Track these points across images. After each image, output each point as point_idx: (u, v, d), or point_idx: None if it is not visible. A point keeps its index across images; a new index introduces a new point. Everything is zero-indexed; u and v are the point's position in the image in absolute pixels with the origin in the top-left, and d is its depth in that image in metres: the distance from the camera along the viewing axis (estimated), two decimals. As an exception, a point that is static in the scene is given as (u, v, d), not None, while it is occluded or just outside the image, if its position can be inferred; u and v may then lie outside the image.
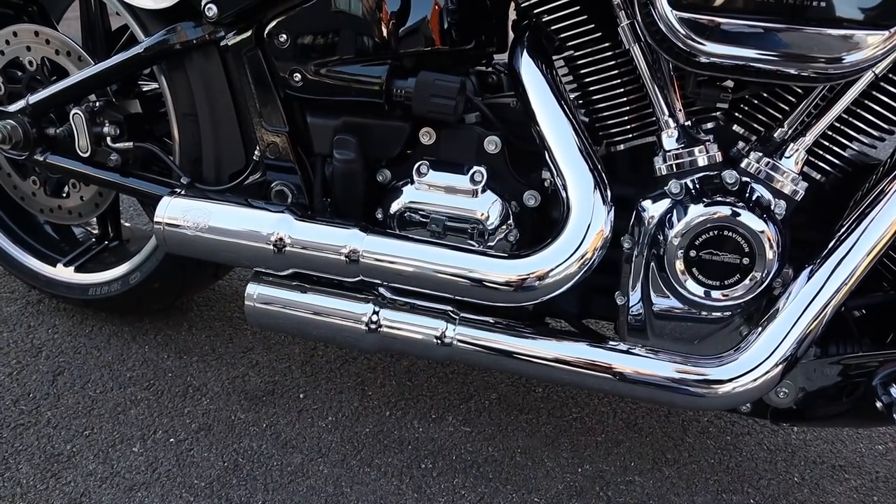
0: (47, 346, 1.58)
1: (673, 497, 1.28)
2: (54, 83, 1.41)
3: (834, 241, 0.98)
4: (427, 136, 1.18)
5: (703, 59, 0.92)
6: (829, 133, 1.01)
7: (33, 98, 1.41)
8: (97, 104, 1.39)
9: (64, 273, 1.60)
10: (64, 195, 1.57)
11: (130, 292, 1.52)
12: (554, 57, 1.12)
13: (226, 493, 1.24)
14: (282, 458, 1.32)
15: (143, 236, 1.63)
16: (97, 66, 1.35)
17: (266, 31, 1.19)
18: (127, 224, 1.73)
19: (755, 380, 1.00)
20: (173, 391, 1.47)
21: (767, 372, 0.99)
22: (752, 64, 0.91)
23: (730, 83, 1.03)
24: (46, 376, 1.49)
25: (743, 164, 1.01)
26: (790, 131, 1.01)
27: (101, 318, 1.67)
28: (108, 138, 1.40)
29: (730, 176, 1.00)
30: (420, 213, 1.18)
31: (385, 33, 1.14)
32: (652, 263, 1.05)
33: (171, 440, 1.35)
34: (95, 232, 1.68)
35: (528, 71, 1.09)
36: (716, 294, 1.02)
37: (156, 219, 1.21)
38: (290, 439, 1.36)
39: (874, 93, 0.97)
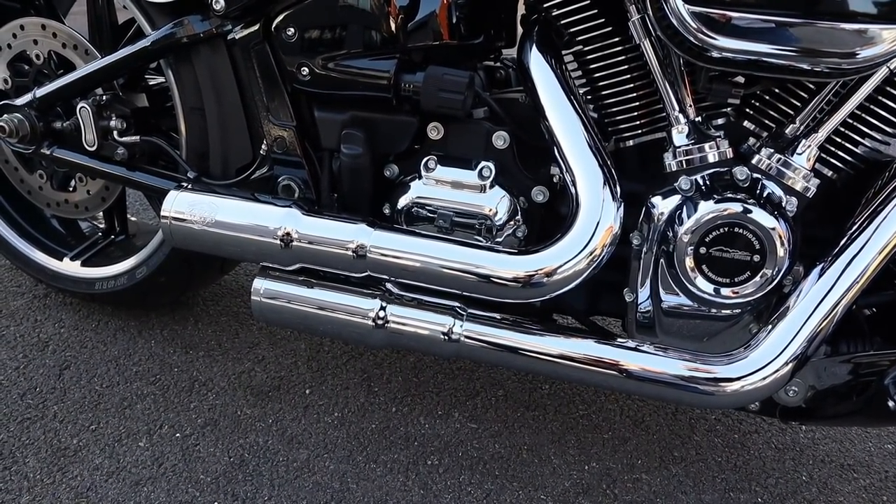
0: (54, 341, 1.58)
1: (680, 495, 1.28)
2: (61, 77, 1.41)
3: (845, 238, 0.97)
4: (435, 131, 1.18)
5: (715, 54, 0.91)
6: (842, 129, 1.00)
7: (40, 92, 1.41)
8: (104, 98, 1.39)
9: (70, 267, 1.60)
10: (70, 189, 1.57)
11: (137, 287, 1.53)
12: (563, 52, 1.11)
13: (231, 488, 1.24)
14: (288, 453, 1.32)
15: (150, 231, 1.62)
16: (104, 60, 1.35)
17: (274, 25, 1.18)
18: (133, 218, 1.73)
19: (764, 378, 0.99)
20: (179, 386, 1.47)
21: (777, 370, 0.98)
22: (764, 59, 0.90)
23: (741, 79, 1.02)
24: (53, 370, 1.49)
25: (754, 161, 1.00)
26: (802, 127, 1.00)
27: (107, 312, 1.67)
28: (115, 132, 1.40)
29: (741, 172, 0.99)
30: (428, 208, 1.18)
31: (393, 27, 1.13)
32: (661, 260, 1.04)
33: (177, 435, 1.35)
34: (102, 226, 1.68)
35: (537, 66, 1.08)
36: (726, 291, 1.01)
37: (162, 213, 1.21)
38: (295, 435, 1.36)
39: (888, 88, 0.96)
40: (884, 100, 0.97)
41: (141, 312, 1.66)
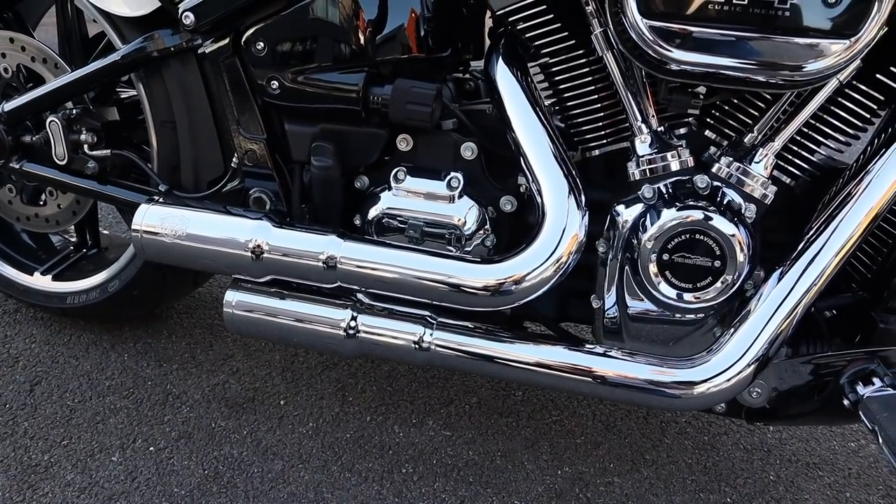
0: (24, 356, 1.57)
1: (651, 497, 1.30)
2: (30, 90, 1.40)
3: (803, 242, 1.00)
4: (404, 143, 1.19)
5: (673, 67, 0.94)
6: (798, 138, 1.03)
7: (9, 106, 1.40)
8: (74, 111, 1.39)
9: (41, 282, 1.59)
10: (41, 203, 1.56)
11: (109, 300, 1.52)
12: (529, 64, 1.14)
13: (206, 500, 1.24)
14: (262, 464, 1.32)
15: (122, 244, 1.62)
16: (74, 74, 1.35)
17: (243, 39, 1.19)
18: (105, 232, 1.73)
19: (728, 380, 1.01)
20: (153, 399, 1.46)
21: (740, 372, 1.01)
22: (720, 71, 0.93)
23: (701, 89, 1.05)
24: (23, 386, 1.48)
25: (714, 169, 1.02)
26: (760, 136, 1.03)
27: (79, 326, 1.66)
28: (86, 146, 1.40)
29: (701, 180, 1.02)
30: (398, 218, 1.19)
31: (362, 41, 1.15)
32: (626, 267, 1.06)
33: (151, 449, 1.34)
34: (73, 240, 1.67)
35: (504, 78, 1.10)
36: (688, 297, 1.04)
37: (133, 226, 1.21)
38: (270, 446, 1.36)
39: (839, 99, 0.99)
40: (836, 110, 1.00)
41: (114, 326, 1.65)
